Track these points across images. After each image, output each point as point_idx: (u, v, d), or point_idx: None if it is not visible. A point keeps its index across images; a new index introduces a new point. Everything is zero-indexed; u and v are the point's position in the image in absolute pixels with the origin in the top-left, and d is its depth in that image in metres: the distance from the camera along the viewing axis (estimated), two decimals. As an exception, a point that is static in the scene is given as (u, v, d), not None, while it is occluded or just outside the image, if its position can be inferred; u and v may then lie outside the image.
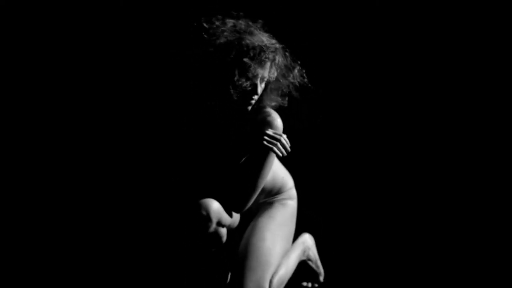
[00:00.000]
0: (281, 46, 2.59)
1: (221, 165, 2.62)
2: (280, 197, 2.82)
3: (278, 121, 2.61)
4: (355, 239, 3.89)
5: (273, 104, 2.64)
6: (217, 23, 2.53)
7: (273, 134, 2.53)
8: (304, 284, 3.01)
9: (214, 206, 2.53)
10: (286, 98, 2.66)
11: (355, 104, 3.99)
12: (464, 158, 3.93)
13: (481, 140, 3.92)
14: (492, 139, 3.91)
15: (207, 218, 2.52)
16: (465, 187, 3.91)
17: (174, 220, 2.60)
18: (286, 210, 2.81)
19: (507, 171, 3.88)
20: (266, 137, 2.52)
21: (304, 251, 2.95)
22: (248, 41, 2.47)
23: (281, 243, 2.69)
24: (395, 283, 3.69)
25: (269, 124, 2.58)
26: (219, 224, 2.57)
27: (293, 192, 2.89)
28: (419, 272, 3.72)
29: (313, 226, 3.80)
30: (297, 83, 2.63)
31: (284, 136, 2.56)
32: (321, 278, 3.06)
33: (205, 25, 2.52)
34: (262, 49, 2.48)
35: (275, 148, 2.52)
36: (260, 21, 2.61)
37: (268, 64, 2.52)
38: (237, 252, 2.62)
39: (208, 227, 2.53)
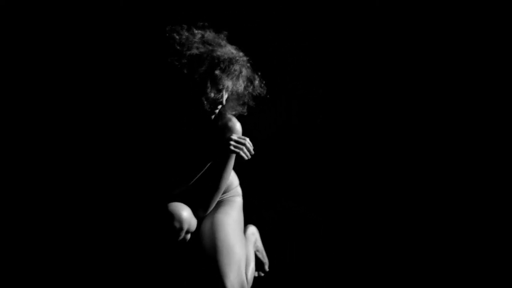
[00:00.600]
0: (246, 58, 2.68)
1: (186, 170, 2.71)
2: (229, 195, 2.95)
3: (238, 126, 2.75)
4: (354, 239, 3.89)
5: (234, 112, 2.77)
6: (186, 33, 2.62)
7: (238, 139, 2.69)
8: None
9: (185, 216, 2.66)
10: (245, 107, 2.77)
11: (355, 103, 4.00)
12: (464, 158, 3.94)
13: (481, 140, 3.93)
14: (492, 139, 3.92)
15: (180, 229, 2.65)
16: (464, 186, 3.92)
17: (145, 227, 2.70)
18: (237, 206, 2.93)
19: (507, 171, 3.88)
20: (232, 142, 2.67)
21: (254, 242, 3.09)
22: (219, 53, 2.56)
23: (241, 236, 2.82)
24: (395, 282, 3.69)
25: (231, 129, 2.72)
26: (188, 231, 2.71)
27: (239, 189, 3.02)
28: (418, 271, 3.73)
29: (313, 226, 3.84)
30: (255, 93, 2.74)
31: (248, 139, 2.70)
32: (267, 267, 3.17)
33: (175, 35, 2.60)
34: (231, 62, 2.58)
35: (241, 152, 2.68)
36: (225, 32, 2.68)
37: (236, 75, 2.62)
38: (205, 249, 2.70)
39: (179, 236, 2.66)
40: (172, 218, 2.63)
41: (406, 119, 3.98)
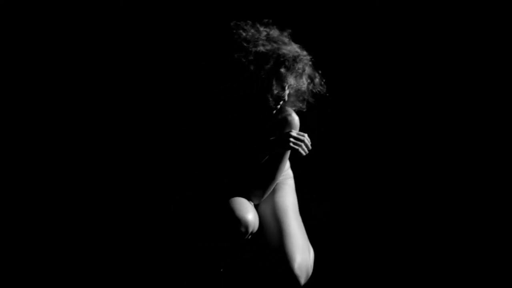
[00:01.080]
0: (309, 56, 2.73)
1: (244, 162, 2.76)
2: (283, 177, 2.96)
3: (296, 120, 2.80)
4: (358, 237, 3.90)
5: (293, 108, 2.80)
6: (252, 30, 2.66)
7: (298, 136, 2.71)
8: None
9: (251, 219, 2.65)
10: (305, 103, 2.81)
11: (355, 103, 4.00)
12: (463, 157, 3.94)
13: (481, 140, 3.93)
14: (492, 139, 3.92)
15: (245, 233, 2.64)
16: (463, 185, 3.93)
17: (209, 229, 2.67)
18: (292, 188, 2.96)
19: (507, 171, 3.89)
20: (292, 139, 2.69)
21: None
22: (284, 51, 2.61)
23: (300, 219, 2.86)
24: (395, 282, 3.70)
25: (290, 124, 2.78)
26: (252, 232, 2.69)
27: (290, 172, 3.03)
28: (418, 271, 3.73)
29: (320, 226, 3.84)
30: (315, 91, 2.77)
31: (306, 136, 2.73)
32: None
33: (241, 32, 2.65)
34: (295, 60, 2.63)
35: (300, 149, 2.70)
36: (288, 30, 2.72)
37: (299, 73, 2.67)
38: (270, 235, 2.73)
39: (244, 238, 2.66)
40: (239, 224, 2.63)
41: (407, 118, 3.98)
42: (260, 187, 2.77)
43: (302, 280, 2.67)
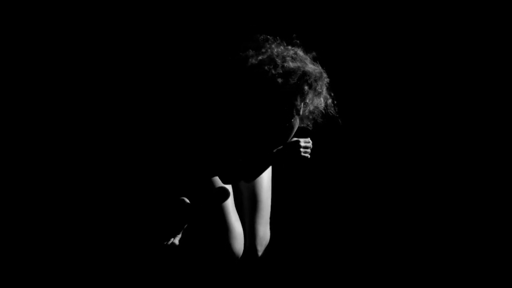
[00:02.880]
0: (328, 79, 2.88)
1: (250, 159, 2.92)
2: None
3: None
4: (355, 237, 3.89)
5: (302, 124, 2.93)
6: (281, 47, 2.86)
7: (306, 144, 2.88)
8: None
9: (238, 250, 2.96)
10: (313, 122, 2.92)
11: (355, 103, 4.00)
12: (464, 157, 3.94)
13: (481, 140, 3.93)
14: (492, 139, 3.92)
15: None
16: (464, 185, 3.92)
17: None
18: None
19: (507, 171, 3.88)
20: (302, 150, 2.87)
21: None
22: (309, 70, 2.78)
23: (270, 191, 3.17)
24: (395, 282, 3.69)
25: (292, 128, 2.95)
26: None
27: None
28: (418, 271, 3.73)
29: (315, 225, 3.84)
30: (326, 112, 2.90)
31: (311, 142, 2.91)
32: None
33: (273, 46, 2.84)
34: (317, 80, 2.79)
35: (308, 156, 2.90)
36: (313, 53, 2.89)
37: (318, 93, 2.81)
38: (262, 200, 3.09)
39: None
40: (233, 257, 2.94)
41: (407, 118, 3.98)
42: (256, 169, 2.93)
43: (260, 253, 3.06)
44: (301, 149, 2.86)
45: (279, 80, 2.74)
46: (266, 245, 3.07)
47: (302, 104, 2.79)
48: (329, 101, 2.90)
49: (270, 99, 2.76)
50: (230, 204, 2.95)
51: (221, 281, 3.05)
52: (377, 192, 3.99)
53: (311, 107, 2.83)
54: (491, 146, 3.92)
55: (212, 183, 2.91)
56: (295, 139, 2.90)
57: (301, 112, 2.82)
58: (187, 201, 2.96)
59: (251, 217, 3.06)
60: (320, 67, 2.84)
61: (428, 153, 3.98)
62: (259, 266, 3.14)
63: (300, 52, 2.85)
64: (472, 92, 3.94)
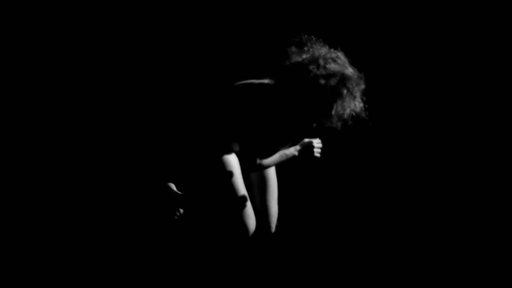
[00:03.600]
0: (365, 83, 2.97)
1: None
2: None
3: None
4: (353, 237, 3.89)
5: (330, 125, 2.98)
6: (324, 48, 2.93)
7: (318, 145, 3.04)
8: None
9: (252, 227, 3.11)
10: (341, 123, 2.97)
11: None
12: (464, 157, 3.94)
13: (481, 140, 3.93)
14: (492, 139, 3.92)
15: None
16: (464, 185, 3.92)
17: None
18: None
19: (507, 171, 3.88)
20: (316, 150, 3.02)
21: None
22: (349, 73, 2.86)
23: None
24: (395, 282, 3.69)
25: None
26: None
27: None
28: (418, 271, 3.72)
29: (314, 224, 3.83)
30: (356, 115, 2.96)
31: (321, 142, 3.06)
32: None
33: (318, 47, 2.92)
34: (355, 84, 2.87)
35: (319, 156, 3.04)
36: (350, 58, 2.95)
37: (354, 96, 2.90)
38: (271, 184, 3.21)
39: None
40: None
41: (407, 118, 3.98)
42: (266, 168, 3.04)
43: (273, 230, 3.20)
44: (315, 150, 3.01)
45: (321, 81, 2.81)
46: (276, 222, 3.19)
47: (338, 106, 2.84)
48: (361, 105, 2.96)
49: (310, 98, 2.82)
50: (240, 184, 3.00)
51: (233, 265, 3.22)
52: (377, 192, 3.98)
53: (346, 110, 2.89)
54: (491, 146, 3.92)
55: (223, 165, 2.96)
56: (308, 140, 3.03)
57: (333, 113, 2.87)
58: (174, 188, 3.03)
59: (262, 196, 3.16)
60: (358, 72, 2.91)
61: (427, 153, 3.97)
62: (263, 264, 3.17)
63: (341, 56, 2.92)
64: (471, 93, 3.93)
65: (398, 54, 3.99)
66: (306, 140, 3.04)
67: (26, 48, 3.88)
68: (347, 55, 3.95)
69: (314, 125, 2.92)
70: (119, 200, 3.87)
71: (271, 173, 3.19)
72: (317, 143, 3.04)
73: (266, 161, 2.95)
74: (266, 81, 3.00)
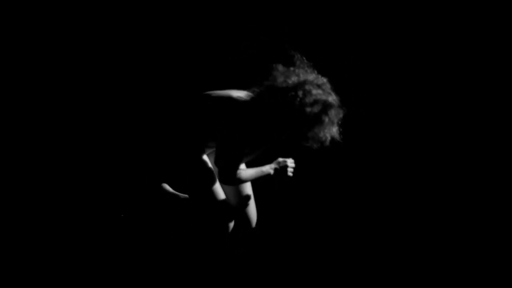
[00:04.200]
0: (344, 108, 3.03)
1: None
2: None
3: None
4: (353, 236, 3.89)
5: (307, 144, 3.02)
6: (313, 74, 2.96)
7: (291, 165, 3.14)
8: None
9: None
10: (318, 145, 3.01)
11: (353, 104, 4.00)
12: (464, 157, 3.94)
13: (481, 140, 3.92)
14: (492, 139, 3.92)
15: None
16: (464, 186, 3.92)
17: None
18: None
19: (507, 171, 3.88)
20: (289, 169, 3.13)
21: None
22: (331, 101, 2.91)
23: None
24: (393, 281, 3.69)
25: None
26: None
27: None
28: (417, 271, 3.72)
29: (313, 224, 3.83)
30: (332, 138, 3.00)
31: (294, 163, 3.17)
32: None
33: (305, 72, 2.95)
34: (336, 112, 2.93)
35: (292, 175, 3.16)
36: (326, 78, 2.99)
37: (333, 122, 2.95)
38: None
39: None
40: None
41: (407, 119, 3.98)
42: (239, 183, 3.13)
43: (253, 225, 3.29)
44: (288, 169, 3.11)
45: (307, 108, 2.85)
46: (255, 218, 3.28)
47: (316, 130, 2.91)
48: (337, 129, 2.99)
49: (289, 120, 2.88)
50: (217, 185, 3.08)
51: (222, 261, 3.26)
52: (377, 192, 3.98)
53: (324, 134, 2.93)
54: (491, 146, 3.92)
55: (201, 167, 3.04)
56: (282, 159, 3.11)
57: (310, 136, 2.93)
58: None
59: (238, 200, 3.21)
60: (337, 96, 2.95)
61: (424, 153, 3.98)
62: (263, 264, 3.18)
63: (327, 82, 2.95)
64: (471, 93, 3.93)
65: (398, 54, 3.99)
66: (281, 159, 3.11)
67: (24, 48, 3.87)
68: (347, 55, 3.98)
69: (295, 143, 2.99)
70: (117, 199, 3.87)
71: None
72: (290, 162, 3.11)
73: (243, 176, 3.00)
74: (244, 95, 3.03)
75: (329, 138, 2.94)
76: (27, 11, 3.87)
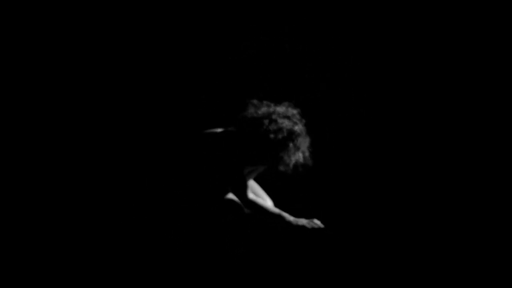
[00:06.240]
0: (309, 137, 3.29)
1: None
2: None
3: None
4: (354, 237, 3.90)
5: (281, 170, 3.27)
6: (283, 107, 3.23)
7: (312, 225, 3.35)
8: None
9: None
10: (289, 170, 3.25)
11: (353, 103, 4.00)
12: (464, 158, 3.94)
13: (481, 140, 3.93)
14: (493, 139, 3.92)
15: None
16: (464, 186, 3.92)
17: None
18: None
19: (507, 171, 3.88)
20: (308, 226, 3.35)
21: None
22: (297, 130, 3.18)
23: None
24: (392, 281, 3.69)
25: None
26: None
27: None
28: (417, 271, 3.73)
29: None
30: (301, 164, 3.25)
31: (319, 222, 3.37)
32: None
33: (279, 106, 3.22)
34: (302, 139, 3.20)
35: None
36: (298, 109, 3.23)
37: (298, 149, 3.22)
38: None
39: None
40: None
41: (407, 119, 3.98)
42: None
43: None
44: (307, 226, 3.31)
45: (271, 135, 3.14)
46: None
47: (284, 156, 3.18)
48: (307, 154, 3.26)
49: (260, 147, 3.17)
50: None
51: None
52: (377, 192, 3.99)
53: (291, 160, 3.20)
54: (491, 146, 3.92)
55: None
56: (307, 221, 3.32)
57: (280, 161, 3.20)
58: None
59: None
60: (303, 124, 3.21)
61: (422, 154, 3.98)
62: (263, 264, 3.21)
63: (296, 114, 3.22)
64: (470, 93, 3.94)
65: (398, 54, 3.99)
66: (317, 221, 3.32)
67: (23, 49, 3.88)
68: (347, 55, 3.99)
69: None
70: (120, 201, 3.87)
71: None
72: (312, 223, 3.32)
73: (259, 202, 3.26)
74: (224, 129, 3.30)
75: (293, 162, 3.19)
76: (27, 11, 3.87)
